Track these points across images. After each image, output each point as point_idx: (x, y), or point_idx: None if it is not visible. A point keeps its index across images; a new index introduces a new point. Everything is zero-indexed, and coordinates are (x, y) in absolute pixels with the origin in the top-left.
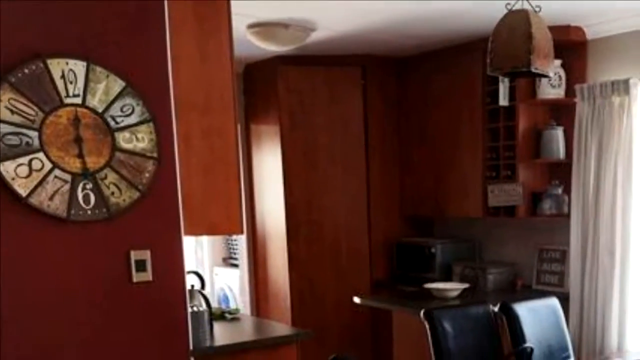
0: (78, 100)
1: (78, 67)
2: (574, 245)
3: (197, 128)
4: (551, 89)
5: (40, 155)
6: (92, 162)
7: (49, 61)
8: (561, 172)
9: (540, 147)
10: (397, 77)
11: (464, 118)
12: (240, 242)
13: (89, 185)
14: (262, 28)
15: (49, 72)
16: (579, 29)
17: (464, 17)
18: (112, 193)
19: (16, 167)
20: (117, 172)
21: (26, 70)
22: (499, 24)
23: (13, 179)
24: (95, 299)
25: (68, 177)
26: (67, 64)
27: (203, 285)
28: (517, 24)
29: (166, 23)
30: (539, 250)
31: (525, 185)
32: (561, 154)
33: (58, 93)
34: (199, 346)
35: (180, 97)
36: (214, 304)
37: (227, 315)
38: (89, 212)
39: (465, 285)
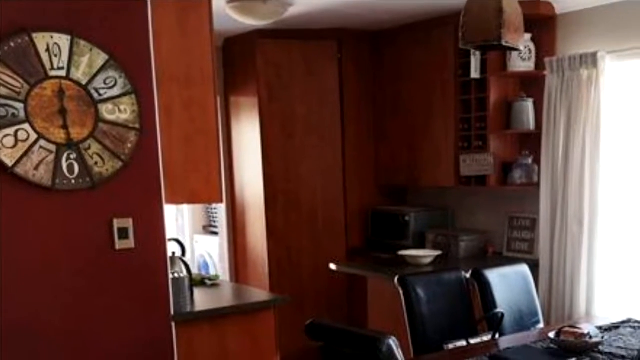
0: (62, 73)
1: (62, 40)
2: (544, 214)
3: (178, 100)
4: (521, 62)
5: (26, 126)
6: (76, 132)
7: (34, 35)
8: (531, 142)
9: (511, 118)
10: (372, 51)
11: (437, 90)
12: (220, 210)
13: (73, 156)
14: (240, 3)
15: (34, 45)
16: (548, 4)
17: None
18: (96, 163)
19: (2, 138)
20: (100, 142)
21: (12, 44)
22: None
23: None
24: (79, 266)
25: (53, 147)
26: (52, 37)
27: (184, 253)
28: None
29: None
30: (510, 219)
31: (496, 155)
32: (531, 125)
33: (43, 66)
34: (180, 311)
35: (162, 70)
36: (194, 271)
37: (207, 281)
38: (73, 181)
39: (438, 253)
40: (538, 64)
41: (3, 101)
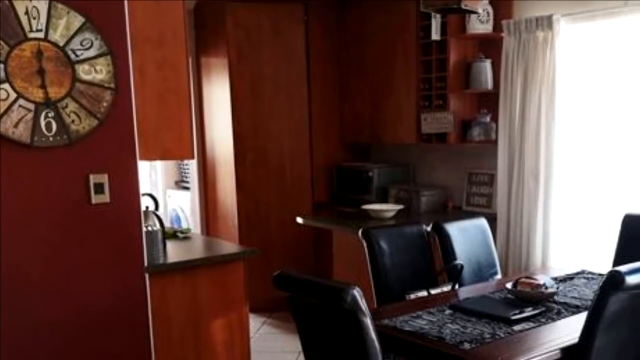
0: (41, 35)
1: (41, 4)
2: (501, 170)
3: (151, 60)
4: (480, 24)
5: (6, 86)
6: (54, 92)
7: None
8: (489, 101)
9: (470, 78)
10: (337, 13)
11: (399, 51)
12: (192, 166)
13: (51, 114)
14: None
15: (13, 8)
16: None
17: None
18: (73, 121)
19: None
20: (77, 101)
21: None
22: None
23: None
24: (56, 219)
25: (31, 106)
26: (30, 0)
27: (157, 207)
28: None
29: None
30: (469, 174)
31: (455, 113)
32: (489, 84)
33: (22, 28)
34: (153, 263)
35: (136, 32)
36: (167, 224)
37: (179, 234)
38: (51, 138)
39: (400, 207)
40: (496, 27)
41: None
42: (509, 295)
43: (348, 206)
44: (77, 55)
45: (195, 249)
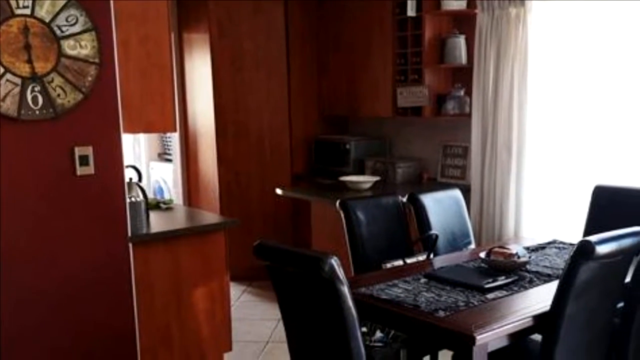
0: (27, 11)
1: None
2: (475, 142)
3: (135, 36)
4: (454, 0)
5: None
6: (40, 67)
7: None
8: (463, 76)
9: (444, 53)
10: None
11: (376, 28)
12: (174, 139)
13: (37, 88)
14: None
15: None
16: None
17: None
18: (58, 95)
19: None
20: (62, 76)
21: None
22: None
23: None
24: (42, 191)
25: (18, 80)
26: None
27: (140, 178)
28: None
29: None
30: (443, 147)
31: (430, 87)
32: (463, 59)
33: (9, 4)
34: (136, 233)
35: (120, 8)
36: (150, 195)
37: (161, 205)
38: (37, 112)
39: (377, 178)
40: (470, 3)
41: None
42: (483, 265)
43: (326, 178)
44: (62, 31)
45: (178, 220)
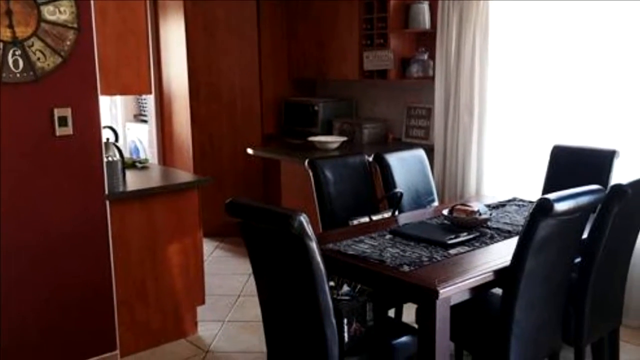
0: None
1: None
2: (438, 104)
3: (112, 2)
4: None
5: None
6: (21, 31)
7: None
8: (427, 40)
9: (409, 19)
10: None
11: None
12: (149, 101)
13: (18, 52)
14: None
15: None
16: None
17: None
18: (38, 59)
19: None
20: (42, 40)
21: None
22: None
23: None
24: (23, 150)
25: (0, 45)
26: None
27: (117, 139)
28: None
29: None
30: (408, 108)
31: (395, 51)
32: (427, 25)
33: None
34: (113, 191)
35: None
36: (126, 155)
37: (137, 164)
38: (18, 75)
39: (344, 139)
40: None
41: None
42: (445, 221)
43: (295, 138)
44: None
45: (153, 178)
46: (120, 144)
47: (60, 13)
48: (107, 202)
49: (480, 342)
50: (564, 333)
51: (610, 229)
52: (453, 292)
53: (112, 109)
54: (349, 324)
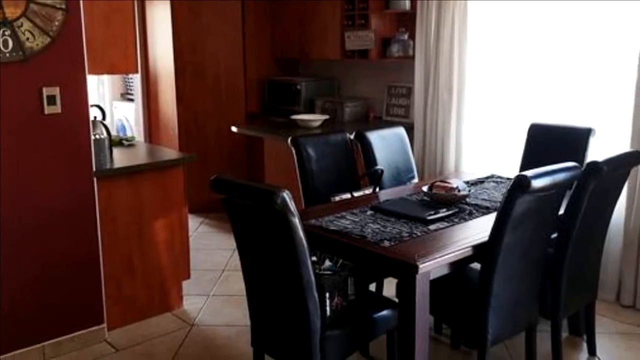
0: None
1: None
2: (418, 83)
3: None
4: None
5: None
6: (10, 12)
7: None
8: (407, 20)
9: None
10: None
11: None
12: (136, 80)
13: (8, 32)
14: None
15: None
16: None
17: None
18: (27, 39)
19: None
20: (31, 20)
21: None
22: None
23: None
24: (13, 128)
25: None
26: None
27: (104, 117)
28: None
29: None
30: (388, 87)
31: (376, 32)
32: (407, 5)
33: None
34: (101, 168)
35: None
36: (113, 133)
37: (124, 142)
38: (8, 54)
39: (326, 117)
40: None
41: None
42: (425, 198)
43: (278, 116)
44: None
45: (139, 156)
46: (107, 122)
47: None
48: (95, 179)
49: (459, 315)
50: (541, 307)
51: (586, 205)
52: (432, 266)
53: (99, 88)
54: (331, 298)
